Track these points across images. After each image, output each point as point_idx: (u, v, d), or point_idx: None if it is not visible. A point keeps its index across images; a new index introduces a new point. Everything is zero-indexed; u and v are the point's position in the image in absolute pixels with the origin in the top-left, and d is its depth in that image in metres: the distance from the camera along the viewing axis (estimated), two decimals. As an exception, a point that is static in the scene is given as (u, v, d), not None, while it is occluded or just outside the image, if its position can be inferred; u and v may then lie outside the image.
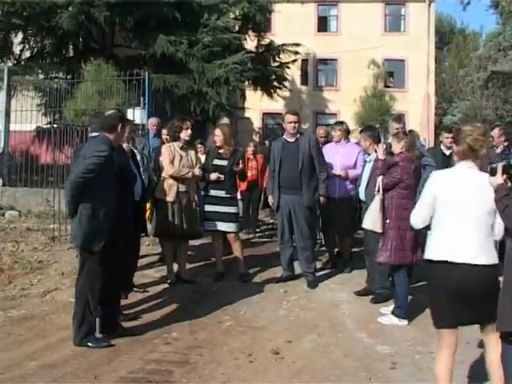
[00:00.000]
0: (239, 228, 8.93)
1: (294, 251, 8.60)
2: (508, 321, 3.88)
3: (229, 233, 8.52)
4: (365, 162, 8.27)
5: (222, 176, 8.36)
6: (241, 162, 8.49)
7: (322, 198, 8.39)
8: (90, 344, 5.86)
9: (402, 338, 6.33)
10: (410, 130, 7.56)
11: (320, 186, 8.34)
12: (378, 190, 6.94)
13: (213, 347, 5.96)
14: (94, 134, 6.58)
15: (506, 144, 9.53)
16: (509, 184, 4.18)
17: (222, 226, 8.40)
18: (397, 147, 7.09)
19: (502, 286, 4.01)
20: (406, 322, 6.88)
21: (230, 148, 8.53)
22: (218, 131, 8.64)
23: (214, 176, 8.36)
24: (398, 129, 8.34)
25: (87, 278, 5.91)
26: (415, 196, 7.11)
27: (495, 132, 9.62)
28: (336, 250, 9.66)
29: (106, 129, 6.05)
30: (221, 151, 8.55)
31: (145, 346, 5.96)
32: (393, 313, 6.96)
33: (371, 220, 7.01)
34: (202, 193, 8.74)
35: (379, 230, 6.91)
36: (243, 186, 11.45)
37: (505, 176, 4.18)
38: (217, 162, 8.50)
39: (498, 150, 9.41)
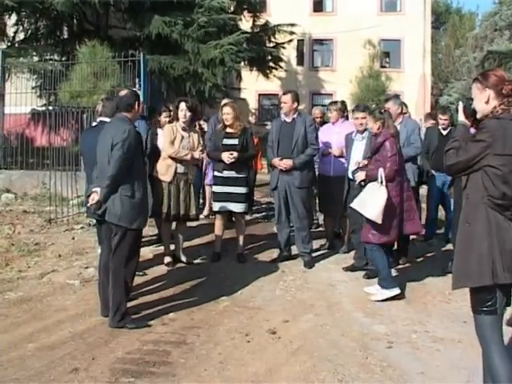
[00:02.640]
0: (247, 208, 8.92)
1: (290, 231, 8.62)
2: (473, 276, 3.85)
3: (238, 213, 8.53)
4: (352, 140, 8.26)
5: (236, 153, 8.27)
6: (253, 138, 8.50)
7: (288, 161, 8.19)
8: (128, 326, 5.85)
9: (398, 318, 6.35)
10: (385, 110, 7.51)
11: (301, 156, 8.22)
12: (382, 182, 6.91)
13: (210, 327, 5.97)
14: (103, 118, 6.73)
15: None
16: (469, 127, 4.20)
17: (231, 207, 8.38)
18: (374, 127, 7.11)
19: (466, 240, 3.95)
20: (397, 290, 6.92)
21: (240, 126, 8.50)
22: (227, 109, 8.50)
23: (230, 157, 8.23)
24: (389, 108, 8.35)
25: (125, 257, 5.89)
26: (403, 174, 7.18)
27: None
28: (334, 230, 9.64)
29: (123, 109, 6.06)
30: (230, 130, 8.44)
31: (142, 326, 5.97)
32: (381, 286, 7.00)
33: (376, 213, 6.94)
34: (215, 173, 8.62)
35: (380, 222, 6.88)
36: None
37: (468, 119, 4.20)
38: (227, 141, 8.38)
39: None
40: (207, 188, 11.30)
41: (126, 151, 5.73)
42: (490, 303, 3.85)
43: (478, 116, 4.04)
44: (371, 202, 6.91)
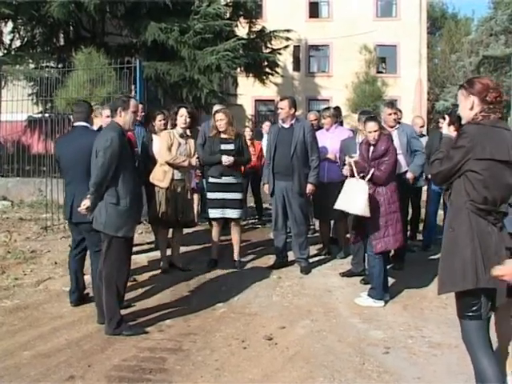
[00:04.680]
0: (243, 214, 8.90)
1: (287, 237, 8.61)
2: (457, 281, 3.86)
3: (233, 219, 8.52)
4: (355, 144, 8.27)
5: (232, 158, 8.29)
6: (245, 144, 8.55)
7: (309, 185, 8.33)
8: (124, 333, 5.85)
9: (395, 323, 6.35)
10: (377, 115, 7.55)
11: (310, 173, 8.31)
12: (370, 180, 6.95)
13: (206, 334, 5.96)
14: (77, 123, 6.74)
15: None
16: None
17: (227, 213, 8.36)
18: (375, 134, 7.10)
19: (450, 245, 3.97)
20: (381, 303, 6.93)
21: (233, 131, 8.51)
22: (220, 115, 8.49)
23: (230, 159, 8.27)
24: (390, 114, 8.38)
25: (114, 265, 5.87)
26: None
27: None
28: (330, 236, 9.65)
29: (113, 114, 6.07)
30: (224, 136, 8.44)
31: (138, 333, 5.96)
32: (369, 294, 7.01)
33: (362, 206, 6.98)
34: (210, 179, 8.54)
35: (368, 215, 6.91)
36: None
37: (452, 127, 4.24)
38: (224, 146, 8.36)
39: None
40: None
41: (108, 159, 5.68)
42: (474, 308, 3.88)
43: (463, 122, 4.08)
44: (353, 198, 6.97)
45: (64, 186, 6.89)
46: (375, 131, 7.11)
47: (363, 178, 6.97)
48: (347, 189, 7.11)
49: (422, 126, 10.73)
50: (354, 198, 6.95)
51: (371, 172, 6.94)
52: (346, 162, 7.29)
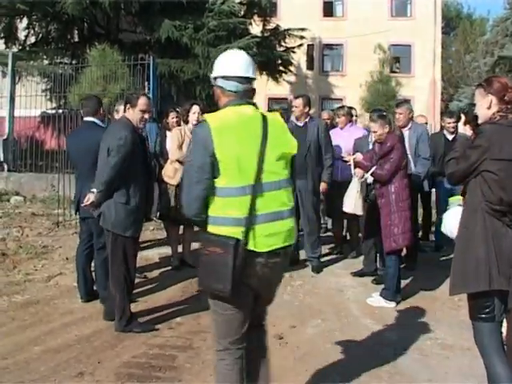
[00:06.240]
0: None
1: (299, 236, 8.57)
2: (470, 282, 3.82)
3: None
4: (368, 143, 8.22)
5: None
6: None
7: (322, 184, 8.31)
8: (134, 330, 5.84)
9: (406, 324, 6.31)
10: (386, 113, 7.48)
11: (324, 172, 8.28)
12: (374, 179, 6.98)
13: (216, 332, 5.94)
14: (86, 118, 6.77)
15: None
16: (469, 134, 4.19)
17: None
18: (383, 132, 7.03)
19: (463, 246, 3.93)
20: (393, 304, 6.89)
21: None
22: None
23: None
24: (397, 114, 8.35)
25: (123, 263, 5.85)
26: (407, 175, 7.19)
27: None
28: (343, 235, 9.62)
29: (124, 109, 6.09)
30: None
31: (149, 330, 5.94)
32: (381, 294, 6.97)
33: (351, 203, 7.01)
34: None
35: (360, 213, 6.92)
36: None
37: (468, 126, 4.21)
38: None
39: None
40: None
41: (121, 159, 5.67)
42: (487, 310, 3.83)
43: (480, 122, 4.02)
44: (346, 196, 7.29)
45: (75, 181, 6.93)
46: (374, 132, 7.10)
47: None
48: (349, 188, 7.27)
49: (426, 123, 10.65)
50: (347, 197, 7.04)
51: (372, 170, 6.91)
52: (350, 161, 7.36)
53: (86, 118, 6.78)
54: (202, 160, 3.47)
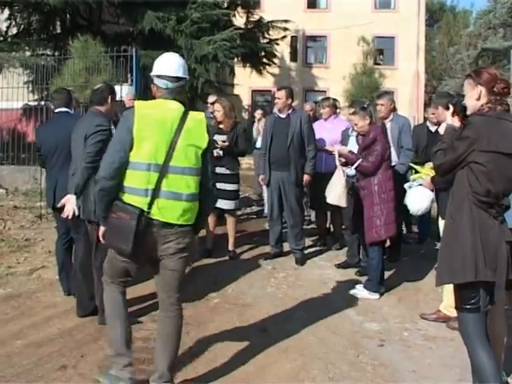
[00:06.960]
0: (237, 206, 8.81)
1: (282, 228, 8.57)
2: (457, 272, 3.83)
3: (228, 210, 8.47)
4: (348, 136, 8.22)
5: (221, 152, 8.24)
6: (239, 136, 8.47)
7: (305, 176, 8.27)
8: None
9: (390, 316, 6.33)
10: (368, 105, 7.42)
11: (306, 164, 8.25)
12: (358, 170, 6.97)
13: (199, 324, 5.93)
14: (58, 109, 6.69)
15: None
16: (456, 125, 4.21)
17: (220, 204, 8.12)
18: (364, 124, 6.98)
19: (450, 237, 3.94)
20: (376, 295, 6.91)
21: (230, 121, 8.45)
22: (217, 106, 8.55)
23: (223, 143, 8.24)
24: (378, 105, 8.30)
25: (105, 254, 5.78)
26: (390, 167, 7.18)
27: None
28: (327, 227, 9.62)
29: (96, 102, 5.96)
30: (221, 126, 8.46)
31: (131, 323, 5.91)
32: (364, 286, 6.99)
33: (335, 194, 7.03)
34: None
35: (344, 205, 6.93)
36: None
37: (456, 117, 4.24)
38: (216, 137, 8.20)
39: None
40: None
41: (97, 146, 5.56)
42: (473, 301, 3.85)
43: (468, 113, 4.02)
44: (330, 188, 7.25)
45: (46, 174, 6.84)
46: (356, 124, 7.09)
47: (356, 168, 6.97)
48: (331, 180, 7.26)
49: None
50: (331, 188, 7.05)
51: (358, 162, 6.90)
52: (334, 152, 7.35)
53: (58, 109, 6.70)
54: (123, 136, 4.13)
